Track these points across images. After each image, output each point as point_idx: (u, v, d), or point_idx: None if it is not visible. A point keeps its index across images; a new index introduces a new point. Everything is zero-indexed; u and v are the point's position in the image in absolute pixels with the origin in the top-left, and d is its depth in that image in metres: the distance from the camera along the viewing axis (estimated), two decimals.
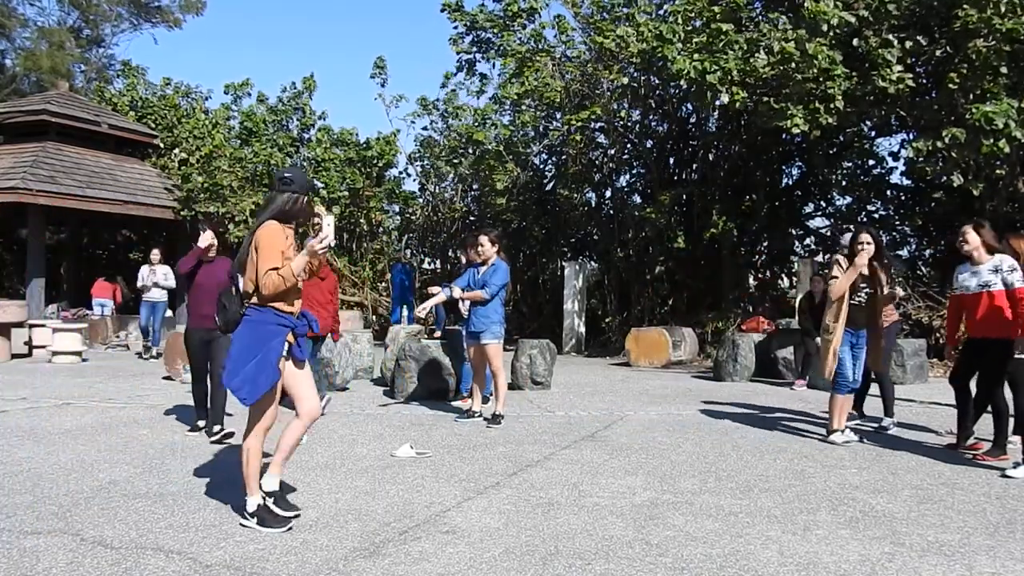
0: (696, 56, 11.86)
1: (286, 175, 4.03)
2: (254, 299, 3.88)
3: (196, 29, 64.69)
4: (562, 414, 7.57)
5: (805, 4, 11.32)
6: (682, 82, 12.89)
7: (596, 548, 3.64)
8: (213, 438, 6.03)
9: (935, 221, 14.98)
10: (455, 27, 16.83)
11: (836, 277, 6.13)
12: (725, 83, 11.67)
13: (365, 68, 69.02)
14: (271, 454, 4.00)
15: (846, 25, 11.31)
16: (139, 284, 12.91)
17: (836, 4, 11.31)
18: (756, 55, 11.70)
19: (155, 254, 13.06)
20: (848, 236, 7.10)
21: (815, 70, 11.27)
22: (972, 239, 5.68)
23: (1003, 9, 10.59)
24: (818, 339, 8.36)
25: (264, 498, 3.91)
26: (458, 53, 17.10)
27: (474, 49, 17.00)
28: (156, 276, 12.71)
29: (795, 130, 11.58)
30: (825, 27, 11.21)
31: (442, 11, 16.71)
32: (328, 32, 75.51)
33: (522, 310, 17.14)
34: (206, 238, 6.15)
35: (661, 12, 14.54)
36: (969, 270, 5.75)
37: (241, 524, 3.88)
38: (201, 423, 6.30)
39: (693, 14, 12.74)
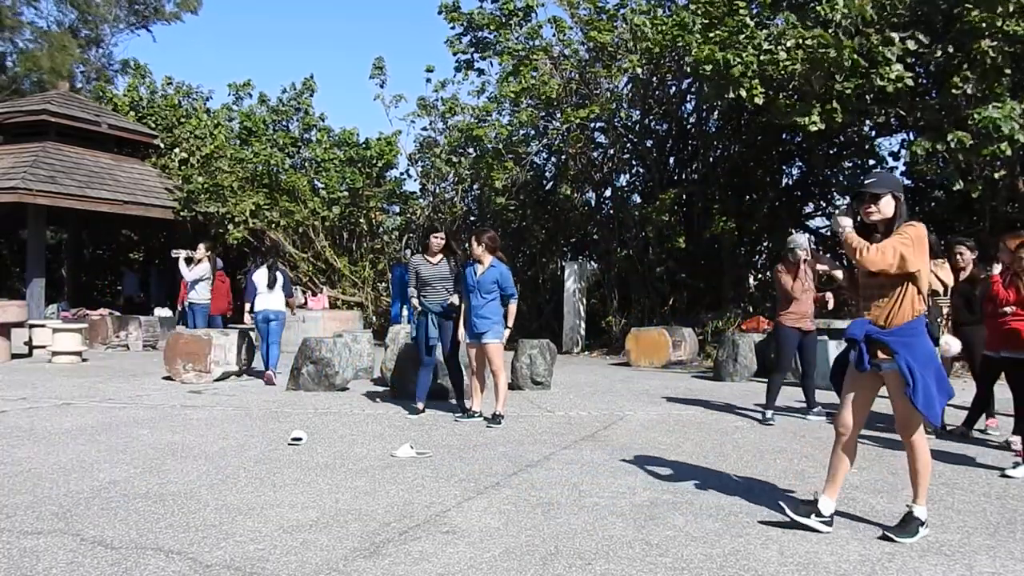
0: (715, 49, 11.75)
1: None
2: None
3: (196, 28, 64.69)
4: (562, 414, 7.57)
5: None
6: (701, 72, 12.64)
7: (596, 548, 3.64)
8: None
9: (935, 221, 14.96)
10: (452, 28, 16.83)
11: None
12: (746, 77, 11.58)
13: (365, 68, 68.96)
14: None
15: (858, 17, 11.19)
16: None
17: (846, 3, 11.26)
18: (778, 48, 11.56)
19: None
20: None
21: (845, 66, 11.12)
22: None
23: (1011, 9, 10.52)
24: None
25: None
26: (455, 54, 17.09)
27: (472, 49, 16.98)
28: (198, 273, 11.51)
29: (812, 128, 11.50)
30: (838, 17, 11.12)
31: (439, 13, 16.71)
32: (328, 32, 75.54)
33: (522, 309, 17.13)
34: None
35: (668, 8, 14.45)
36: None
37: None
38: None
39: (712, 6, 12.63)
